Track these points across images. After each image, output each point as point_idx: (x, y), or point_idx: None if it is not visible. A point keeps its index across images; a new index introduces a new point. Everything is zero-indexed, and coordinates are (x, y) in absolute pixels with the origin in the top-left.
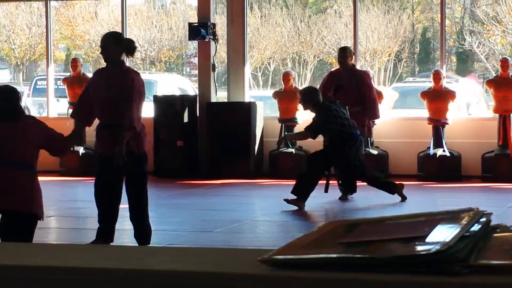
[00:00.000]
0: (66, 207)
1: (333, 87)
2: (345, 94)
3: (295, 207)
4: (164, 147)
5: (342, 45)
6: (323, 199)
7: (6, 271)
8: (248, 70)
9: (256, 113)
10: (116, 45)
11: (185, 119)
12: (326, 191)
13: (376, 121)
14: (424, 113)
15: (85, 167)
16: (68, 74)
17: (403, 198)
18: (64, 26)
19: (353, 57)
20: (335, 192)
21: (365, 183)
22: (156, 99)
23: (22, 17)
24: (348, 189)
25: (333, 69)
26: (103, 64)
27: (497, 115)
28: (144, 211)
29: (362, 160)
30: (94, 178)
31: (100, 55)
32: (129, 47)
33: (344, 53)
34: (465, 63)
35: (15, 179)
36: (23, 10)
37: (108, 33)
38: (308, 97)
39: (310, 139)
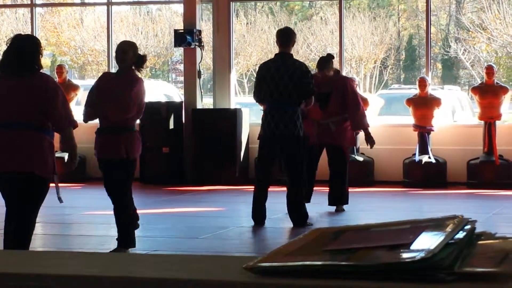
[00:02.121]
0: (51, 213)
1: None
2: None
3: (280, 214)
4: (149, 154)
5: (328, 52)
6: (308, 206)
7: None
8: (233, 76)
9: (242, 119)
10: (134, 54)
11: (171, 126)
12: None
13: None
14: (410, 120)
15: (71, 173)
16: None
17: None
18: (50, 33)
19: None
20: (320, 199)
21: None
22: None
23: (8, 24)
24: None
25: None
26: (88, 70)
27: (482, 122)
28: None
29: None
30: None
31: (86, 62)
32: (141, 60)
33: (324, 61)
34: (450, 70)
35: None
36: (8, 16)
37: (129, 41)
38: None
39: None
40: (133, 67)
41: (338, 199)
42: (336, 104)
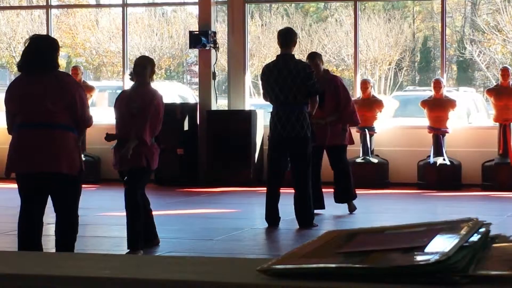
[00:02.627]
0: None
1: None
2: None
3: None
4: (164, 155)
5: (342, 55)
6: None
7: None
8: (248, 78)
9: (256, 121)
10: (151, 69)
11: (186, 127)
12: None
13: (377, 129)
14: (425, 121)
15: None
16: None
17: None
18: (65, 34)
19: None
20: (332, 201)
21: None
22: None
23: (23, 25)
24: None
25: None
26: (104, 72)
27: (497, 124)
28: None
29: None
30: None
31: (101, 63)
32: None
33: (317, 59)
34: (465, 72)
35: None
36: (24, 18)
37: (148, 57)
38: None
39: None
40: (150, 82)
41: (346, 196)
42: (330, 102)
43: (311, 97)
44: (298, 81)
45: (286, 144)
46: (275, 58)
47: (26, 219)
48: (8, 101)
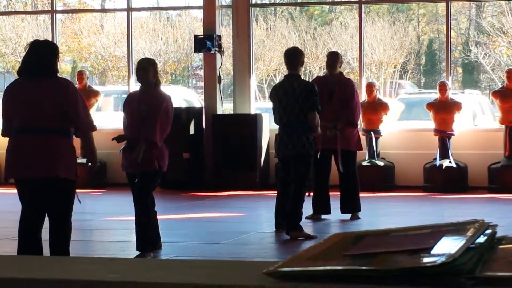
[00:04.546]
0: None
1: (325, 93)
2: (331, 101)
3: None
4: (170, 159)
5: (333, 50)
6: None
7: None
8: (254, 82)
9: (262, 124)
10: (154, 71)
11: (191, 131)
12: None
13: (382, 132)
14: (430, 124)
15: (92, 179)
16: None
17: None
18: (70, 39)
19: (341, 64)
20: (338, 204)
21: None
22: None
23: (28, 30)
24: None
25: (320, 75)
26: (109, 76)
27: (503, 126)
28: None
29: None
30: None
31: (106, 68)
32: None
33: (336, 58)
34: (471, 74)
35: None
36: (29, 23)
37: (149, 58)
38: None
39: None
40: (157, 84)
41: (351, 207)
42: (337, 103)
43: (308, 113)
44: (300, 101)
45: (289, 162)
46: (282, 78)
47: (26, 224)
48: (5, 105)
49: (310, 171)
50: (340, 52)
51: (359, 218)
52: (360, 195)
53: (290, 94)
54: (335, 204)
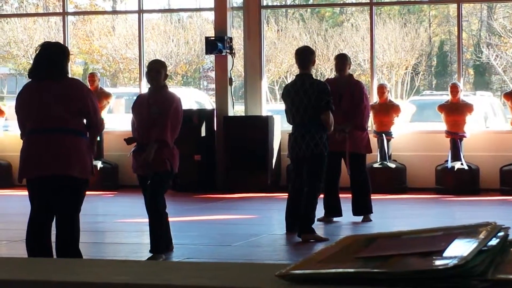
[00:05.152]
0: (83, 221)
1: (335, 95)
2: (341, 104)
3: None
4: (181, 161)
5: (341, 53)
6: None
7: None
8: (265, 83)
9: (273, 126)
10: (165, 73)
11: (203, 133)
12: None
13: (394, 134)
14: (442, 126)
15: (103, 181)
16: None
17: None
18: (82, 41)
19: (350, 66)
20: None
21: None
22: None
23: (40, 32)
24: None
25: (329, 78)
26: (120, 78)
27: None
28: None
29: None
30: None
31: (118, 70)
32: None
33: (345, 61)
34: (482, 76)
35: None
36: (40, 25)
37: (161, 60)
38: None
39: None
40: (166, 85)
41: (363, 209)
42: (347, 105)
43: (322, 113)
44: (313, 101)
45: (302, 162)
46: (295, 77)
47: (35, 225)
48: (18, 108)
49: (324, 172)
50: (348, 54)
51: (370, 220)
52: (372, 197)
53: (302, 94)
54: (346, 207)
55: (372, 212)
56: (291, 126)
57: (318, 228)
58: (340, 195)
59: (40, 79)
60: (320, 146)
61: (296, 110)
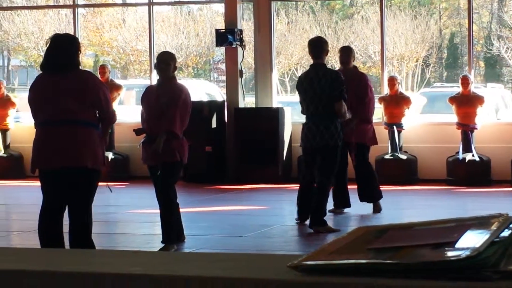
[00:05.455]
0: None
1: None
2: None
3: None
4: (192, 153)
5: (345, 45)
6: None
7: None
8: (275, 75)
9: (284, 118)
10: (174, 65)
11: (213, 125)
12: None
13: (405, 126)
14: (453, 118)
15: (114, 172)
16: None
17: None
18: (92, 33)
19: (354, 58)
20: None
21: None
22: None
23: (51, 24)
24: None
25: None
26: (131, 70)
27: None
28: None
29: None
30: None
31: (128, 62)
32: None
33: (349, 53)
34: (493, 68)
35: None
36: (51, 17)
37: (170, 52)
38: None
39: None
40: (175, 77)
41: (370, 196)
42: (351, 97)
43: (335, 102)
44: (327, 91)
45: (316, 153)
46: (308, 67)
47: (48, 216)
48: (31, 100)
49: (337, 165)
50: (358, 47)
51: (381, 209)
52: (383, 188)
53: (315, 84)
54: (354, 198)
55: (380, 198)
56: (305, 116)
57: (329, 219)
58: (348, 187)
59: (52, 71)
60: (335, 137)
61: (310, 100)
